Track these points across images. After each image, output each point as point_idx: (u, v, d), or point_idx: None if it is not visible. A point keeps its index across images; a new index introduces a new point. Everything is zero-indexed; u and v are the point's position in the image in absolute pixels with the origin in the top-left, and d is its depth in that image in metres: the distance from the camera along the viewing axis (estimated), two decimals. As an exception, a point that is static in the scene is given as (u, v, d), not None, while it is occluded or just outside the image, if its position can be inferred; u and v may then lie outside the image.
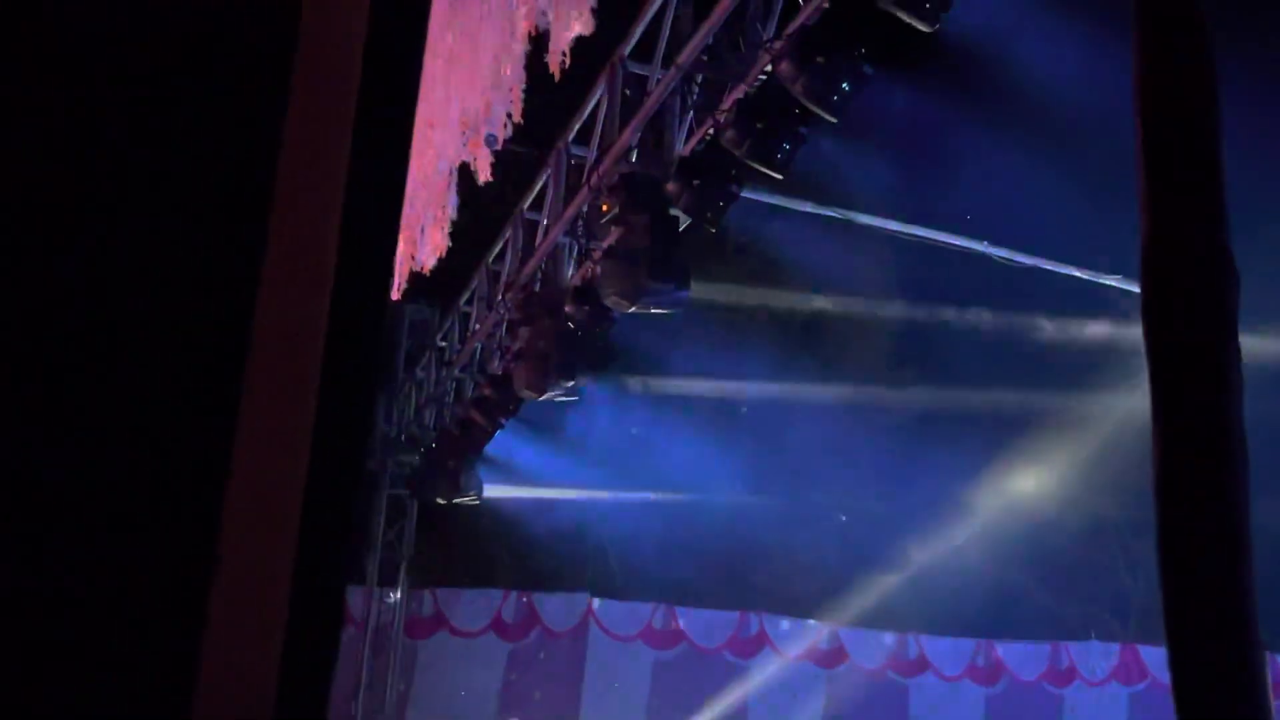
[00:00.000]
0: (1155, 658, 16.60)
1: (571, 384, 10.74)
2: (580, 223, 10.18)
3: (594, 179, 9.61)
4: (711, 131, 8.51)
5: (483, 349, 12.79)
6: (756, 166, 8.23)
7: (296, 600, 1.48)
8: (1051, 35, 11.06)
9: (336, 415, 1.54)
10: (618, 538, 17.02)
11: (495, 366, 11.98)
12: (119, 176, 1.48)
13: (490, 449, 13.34)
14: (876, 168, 12.87)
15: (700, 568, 16.56)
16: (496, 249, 12.17)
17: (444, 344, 13.99)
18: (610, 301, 9.31)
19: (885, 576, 17.38)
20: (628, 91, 9.55)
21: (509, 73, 8.71)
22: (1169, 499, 2.72)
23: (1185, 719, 2.58)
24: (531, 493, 15.71)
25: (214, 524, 1.43)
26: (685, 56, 8.77)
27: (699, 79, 8.91)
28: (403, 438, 14.88)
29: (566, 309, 10.16)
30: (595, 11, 8.19)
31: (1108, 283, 12.03)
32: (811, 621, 16.70)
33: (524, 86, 8.85)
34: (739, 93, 8.24)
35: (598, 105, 9.95)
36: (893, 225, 12.07)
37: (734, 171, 8.59)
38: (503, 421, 12.31)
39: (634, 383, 15.84)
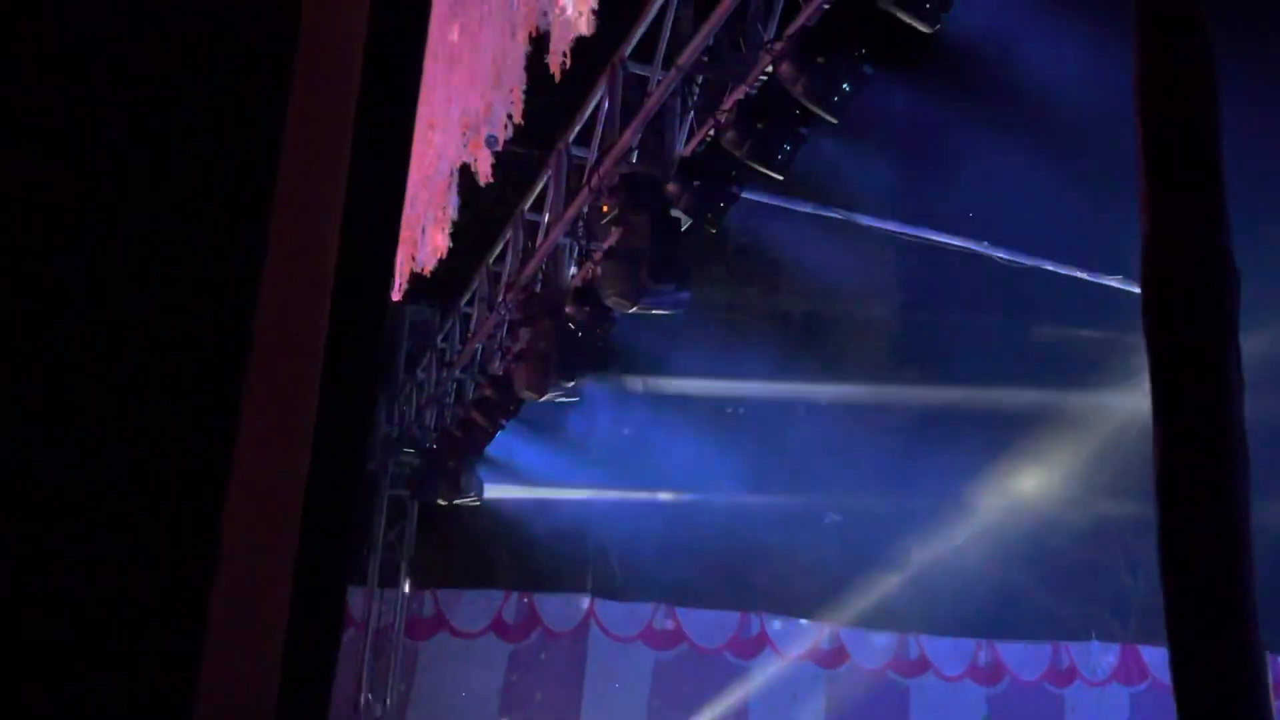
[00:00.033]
0: (1156, 658, 16.61)
1: (572, 385, 10.74)
2: (581, 223, 10.18)
3: (595, 180, 9.61)
4: (712, 132, 8.51)
5: (483, 350, 12.79)
6: (757, 167, 8.23)
7: (297, 601, 1.48)
8: (1052, 36, 11.06)
9: (337, 416, 1.54)
10: (618, 538, 17.02)
11: (496, 367, 11.99)
12: (119, 176, 1.48)
13: (491, 450, 13.35)
14: (877, 168, 12.87)
15: (701, 568, 16.56)
16: (497, 250, 12.18)
17: (445, 345, 14.00)
18: (611, 302, 9.31)
19: (886, 577, 17.39)
20: (628, 92, 9.55)
21: (509, 73, 8.71)
22: (1169, 499, 2.72)
23: (1186, 719, 2.58)
24: (532, 493, 15.72)
25: (214, 524, 1.43)
26: (686, 57, 8.77)
27: (699, 80, 8.91)
28: (403, 438, 14.88)
29: (567, 310, 10.16)
30: (596, 12, 8.19)
31: (1108, 283, 12.02)
32: (812, 622, 16.70)
33: (524, 87, 8.85)
34: (739, 93, 8.24)
35: (598, 106, 9.96)
36: (893, 226, 12.08)
37: (734, 172, 8.59)
38: (503, 422, 12.31)
39: (634, 383, 15.84)
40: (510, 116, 9.04)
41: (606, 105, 9.77)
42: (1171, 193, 2.88)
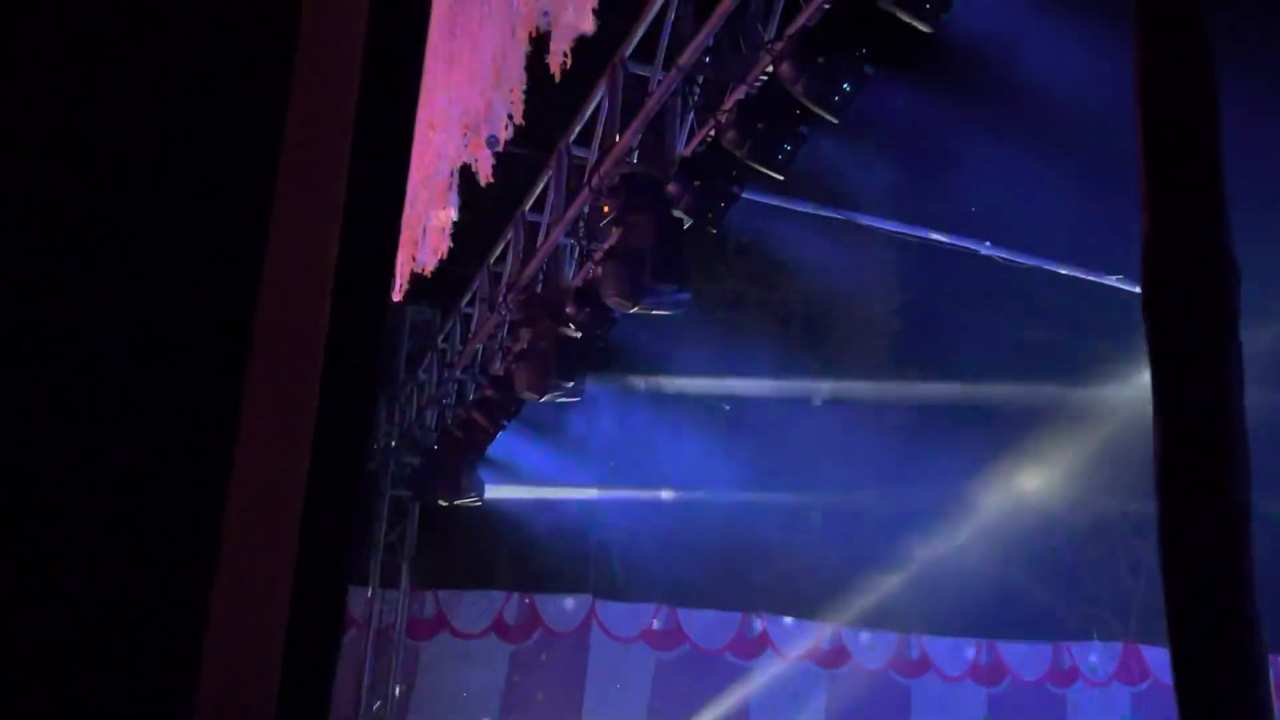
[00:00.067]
0: (1157, 658, 16.60)
1: (572, 385, 10.74)
2: (581, 224, 10.18)
3: (595, 180, 9.61)
4: (712, 132, 8.51)
5: (484, 350, 12.79)
6: (757, 167, 8.23)
7: (297, 601, 1.48)
8: (1052, 35, 11.06)
9: (337, 416, 1.54)
10: (619, 538, 17.03)
11: (497, 368, 11.99)
12: (119, 176, 1.48)
13: (492, 450, 13.35)
14: (877, 168, 12.87)
15: (702, 568, 16.57)
16: (498, 250, 12.18)
17: (445, 345, 14.00)
18: (611, 302, 9.32)
19: (887, 576, 17.39)
20: (628, 92, 9.55)
21: (510, 73, 8.71)
22: (1170, 498, 2.72)
23: (1187, 718, 2.58)
24: (533, 494, 15.72)
25: (214, 524, 1.43)
26: (686, 57, 8.77)
27: (700, 80, 8.91)
28: (404, 439, 14.88)
29: (568, 310, 10.16)
30: (596, 12, 8.18)
31: (1108, 282, 12.02)
32: (813, 622, 16.70)
33: (525, 87, 8.85)
34: (740, 93, 8.24)
35: (599, 106, 9.95)
36: (893, 226, 12.08)
37: (735, 172, 8.60)
38: (504, 423, 12.32)
39: (635, 382, 15.84)
40: (510, 116, 9.03)
41: (607, 105, 9.77)
42: (1171, 192, 2.88)
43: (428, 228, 10.24)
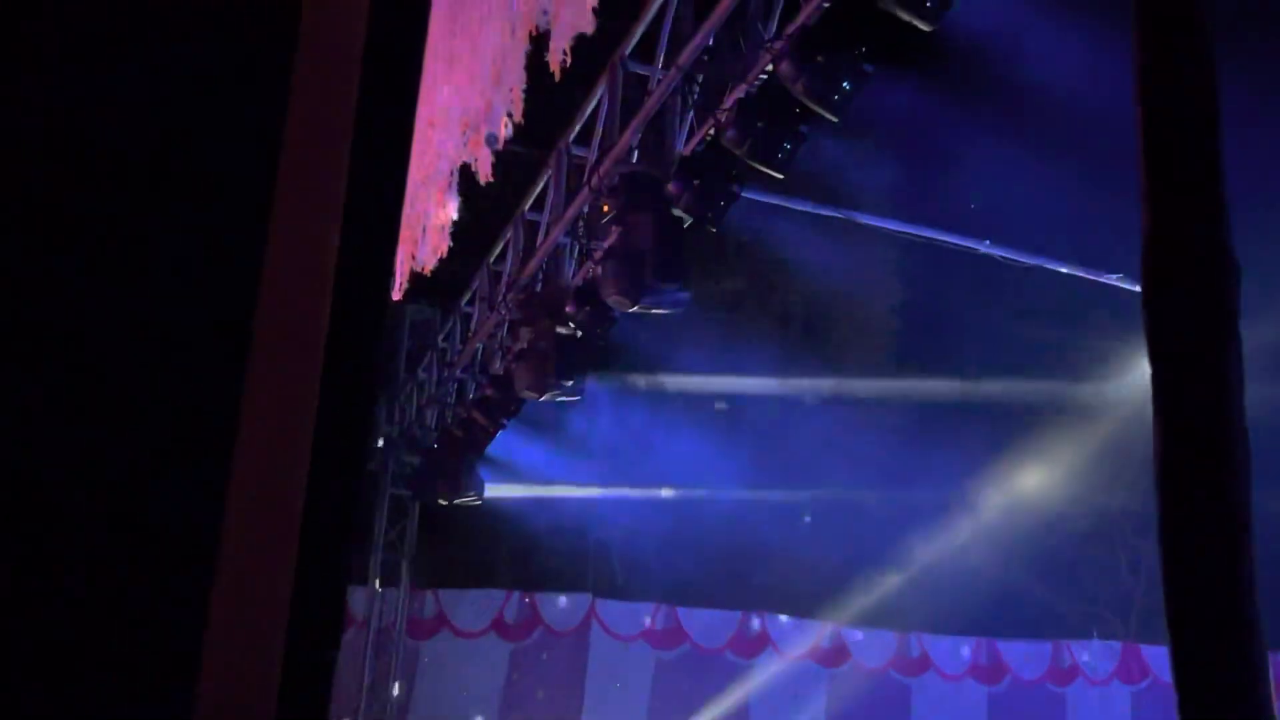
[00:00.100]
0: (1157, 657, 16.60)
1: (572, 384, 10.74)
2: (581, 223, 10.18)
3: (595, 179, 9.60)
4: (712, 131, 8.50)
5: (484, 349, 12.79)
6: (757, 166, 8.23)
7: (297, 600, 1.48)
8: (1052, 35, 11.06)
9: (337, 415, 1.54)
10: (619, 537, 17.04)
11: (497, 367, 11.98)
12: (119, 176, 1.48)
13: (492, 449, 13.34)
14: (877, 167, 12.88)
15: (702, 567, 16.58)
16: (498, 249, 12.18)
17: (445, 344, 14.00)
18: (611, 302, 9.31)
19: (887, 576, 17.40)
20: (628, 92, 9.55)
21: (509, 73, 8.70)
22: (1170, 496, 2.72)
23: (1187, 717, 2.58)
24: (533, 493, 15.72)
25: (214, 524, 1.43)
26: (686, 56, 8.76)
27: (699, 79, 8.91)
28: (404, 438, 14.88)
29: (568, 309, 10.16)
30: (596, 11, 8.18)
31: (1108, 281, 12.02)
32: (813, 621, 16.70)
33: (524, 86, 8.84)
34: (739, 92, 8.23)
35: (598, 105, 9.95)
36: (894, 224, 12.07)
37: (734, 171, 8.59)
38: (504, 422, 12.32)
39: (635, 381, 15.85)
40: (510, 115, 9.02)
41: (607, 104, 9.77)
42: (1172, 191, 2.89)
43: (427, 227, 10.23)
